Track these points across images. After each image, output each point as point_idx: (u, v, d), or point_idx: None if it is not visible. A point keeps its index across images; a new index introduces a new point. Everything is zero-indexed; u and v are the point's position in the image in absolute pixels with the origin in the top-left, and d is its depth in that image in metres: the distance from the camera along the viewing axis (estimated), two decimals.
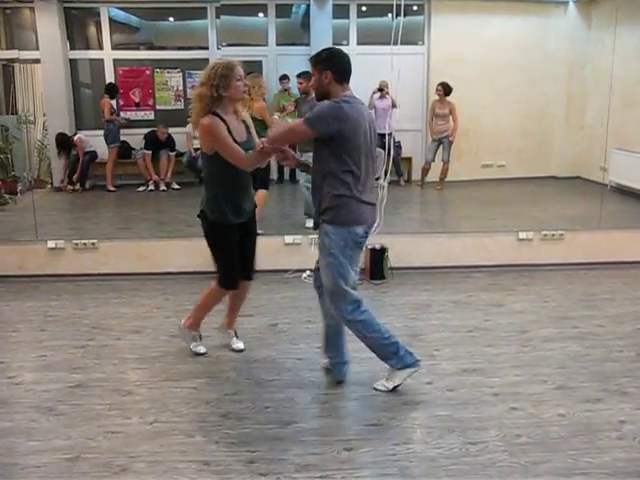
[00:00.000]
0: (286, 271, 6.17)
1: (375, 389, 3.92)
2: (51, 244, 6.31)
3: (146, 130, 10.48)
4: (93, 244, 6.31)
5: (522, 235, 6.40)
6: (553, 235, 6.47)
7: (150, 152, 10.27)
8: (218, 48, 10.90)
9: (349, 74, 3.78)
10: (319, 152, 3.74)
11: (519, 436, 3.42)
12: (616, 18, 8.46)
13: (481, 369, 4.21)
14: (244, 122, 4.22)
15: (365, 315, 3.83)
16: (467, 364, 4.28)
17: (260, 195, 6.94)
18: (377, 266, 5.98)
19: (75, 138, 10.26)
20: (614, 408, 3.71)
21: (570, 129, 10.74)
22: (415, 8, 10.84)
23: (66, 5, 10.49)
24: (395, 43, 5.96)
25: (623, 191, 9.50)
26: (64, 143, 10.22)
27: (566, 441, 3.38)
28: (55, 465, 3.19)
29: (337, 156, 3.64)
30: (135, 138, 10.47)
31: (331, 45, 10.46)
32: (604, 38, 9.42)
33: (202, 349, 4.50)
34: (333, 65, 3.72)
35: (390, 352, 3.87)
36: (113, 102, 10.36)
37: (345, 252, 3.74)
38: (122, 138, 10.42)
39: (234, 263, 4.23)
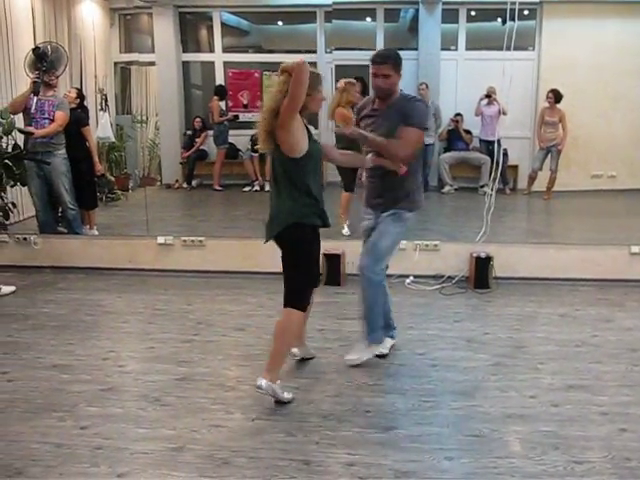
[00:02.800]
0: (390, 276, 6.14)
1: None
2: (160, 240, 6.54)
3: (253, 132, 10.67)
4: (200, 241, 6.50)
5: (635, 249, 6.12)
6: None
7: (257, 154, 10.46)
8: (326, 52, 11.02)
9: None
10: None
11: (629, 460, 3.27)
12: None
13: (588, 386, 4.07)
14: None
15: (385, 282, 4.38)
16: (573, 380, 4.14)
17: (345, 196, 7.05)
18: (482, 275, 5.89)
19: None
20: None
21: None
22: (526, 12, 10.59)
23: (181, 10, 10.86)
24: (507, 48, 5.86)
25: None
26: None
27: None
28: (161, 453, 3.30)
29: None
30: (242, 139, 10.69)
31: (440, 49, 10.43)
32: None
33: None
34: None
35: (377, 325, 4.33)
36: (222, 104, 10.63)
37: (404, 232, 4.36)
38: (230, 139, 10.68)
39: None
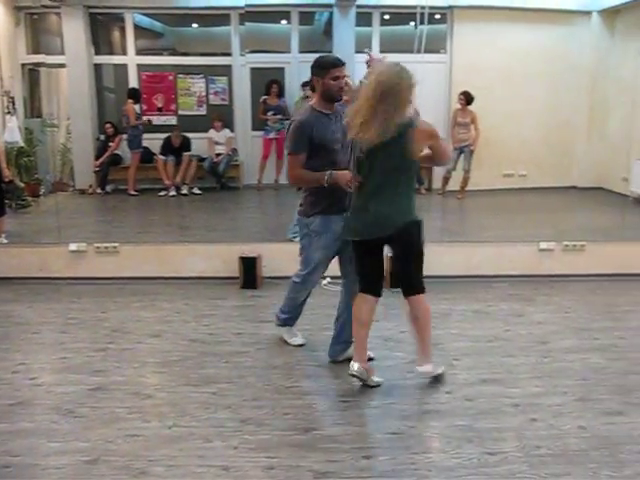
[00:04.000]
0: None
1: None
2: (73, 247, 6.36)
3: (167, 134, 10.56)
4: (114, 247, 6.36)
5: (543, 245, 6.35)
6: (575, 246, 6.42)
7: (165, 157, 10.34)
8: (241, 54, 10.98)
9: None
10: None
11: (539, 447, 3.39)
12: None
13: (501, 379, 4.19)
14: None
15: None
16: (486, 374, 4.25)
17: None
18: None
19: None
20: (635, 421, 3.67)
21: (592, 139, 10.68)
22: (438, 16, 10.83)
23: (92, 11, 10.60)
24: (419, 51, 5.97)
25: None
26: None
27: (586, 454, 3.35)
28: (74, 467, 3.21)
29: None
30: (157, 143, 10.54)
31: (354, 52, 10.53)
32: (628, 48, 9.38)
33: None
34: None
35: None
36: (136, 107, 10.45)
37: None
38: (144, 143, 10.51)
39: None
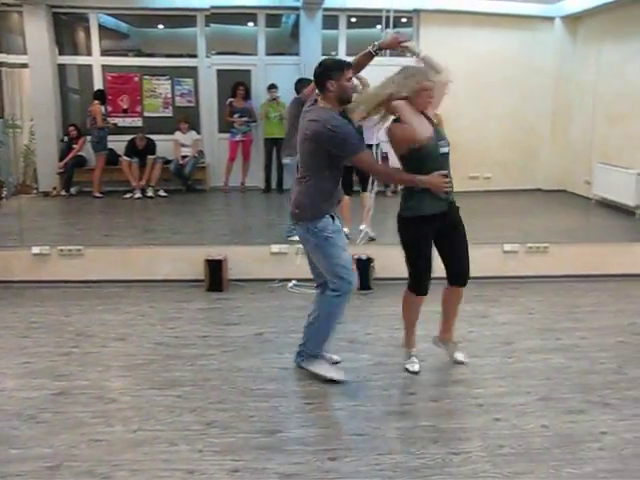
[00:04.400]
0: (272, 280, 6.18)
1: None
2: (36, 250, 6.27)
3: (132, 136, 10.47)
4: (79, 250, 6.28)
5: (507, 247, 6.44)
6: (538, 248, 6.51)
7: (129, 160, 10.25)
8: (207, 56, 10.94)
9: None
10: None
11: (502, 447, 3.44)
12: (599, 35, 8.58)
13: (465, 380, 4.23)
14: None
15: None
16: (452, 375, 4.30)
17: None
18: (363, 276, 6.00)
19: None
20: (596, 419, 3.73)
21: (556, 143, 10.84)
22: (404, 20, 10.91)
23: (55, 10, 10.48)
24: (384, 54, 6.00)
25: (607, 205, 9.60)
26: None
27: (548, 452, 3.40)
28: (36, 473, 3.17)
29: None
30: (122, 144, 10.44)
31: (321, 54, 10.56)
32: (589, 54, 9.54)
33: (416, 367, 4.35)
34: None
35: None
36: (102, 108, 10.34)
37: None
38: (109, 144, 10.41)
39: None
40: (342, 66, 3.98)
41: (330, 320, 4.13)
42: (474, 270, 6.27)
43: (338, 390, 4.07)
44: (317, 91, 4.03)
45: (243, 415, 3.74)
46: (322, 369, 4.18)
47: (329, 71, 3.95)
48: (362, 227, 6.98)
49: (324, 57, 4.23)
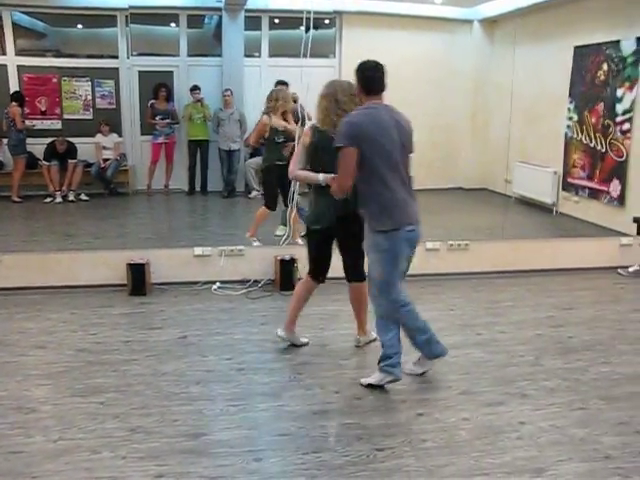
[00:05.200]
0: (196, 283, 6.13)
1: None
2: None
3: (51, 139, 10.21)
4: None
5: (429, 245, 6.56)
6: (459, 245, 6.67)
7: (49, 163, 10.00)
8: (128, 57, 10.76)
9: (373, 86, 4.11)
10: None
11: (425, 441, 3.51)
12: (514, 38, 8.85)
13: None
14: None
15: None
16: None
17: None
18: (287, 277, 6.02)
19: None
20: (514, 410, 3.86)
21: (476, 142, 11.11)
22: (327, 22, 11.00)
23: None
24: (305, 56, 6.03)
25: (526, 202, 9.90)
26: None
27: (469, 444, 3.50)
28: None
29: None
30: (40, 147, 10.16)
31: (244, 56, 10.53)
32: (506, 56, 9.81)
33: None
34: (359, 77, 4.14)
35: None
36: (20, 110, 10.03)
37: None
38: (27, 148, 10.12)
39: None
40: None
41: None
42: None
43: (263, 391, 4.08)
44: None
45: (167, 419, 3.70)
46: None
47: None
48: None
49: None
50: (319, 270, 4.59)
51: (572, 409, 3.89)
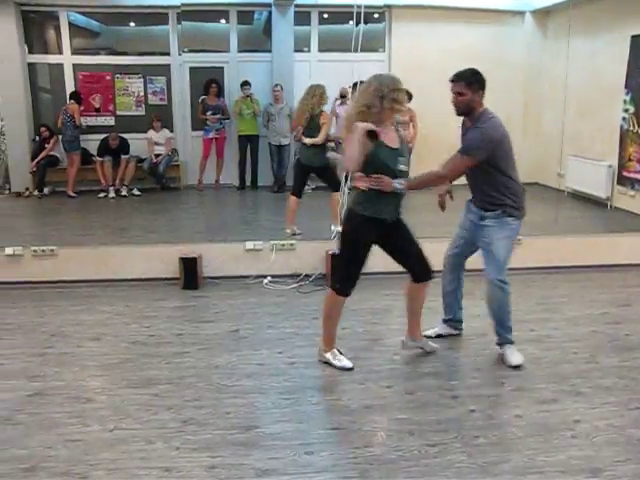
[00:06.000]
0: (247, 277, 6.18)
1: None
2: (9, 251, 6.20)
3: (104, 135, 10.40)
4: (52, 251, 6.22)
5: None
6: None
7: (102, 159, 10.19)
8: (179, 54, 10.89)
9: None
10: None
11: (477, 437, 3.48)
12: (569, 28, 8.67)
13: (440, 372, 4.28)
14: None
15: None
16: (426, 368, 4.33)
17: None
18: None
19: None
20: (569, 408, 3.79)
21: (527, 136, 10.93)
22: (376, 16, 10.95)
23: (24, 8, 10.38)
24: (355, 50, 6.02)
25: (579, 197, 9.71)
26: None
27: (523, 441, 3.45)
28: (11, 475, 3.15)
29: None
30: (95, 144, 10.37)
31: (293, 51, 10.55)
32: (559, 47, 9.63)
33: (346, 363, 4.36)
34: (483, 85, 4.37)
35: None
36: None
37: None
38: (82, 144, 10.34)
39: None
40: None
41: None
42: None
43: (314, 385, 4.10)
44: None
45: (219, 412, 3.74)
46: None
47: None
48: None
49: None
50: (354, 281, 4.28)
51: (629, 408, 3.81)
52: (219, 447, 3.38)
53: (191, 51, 11.05)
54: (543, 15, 11.08)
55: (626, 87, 8.99)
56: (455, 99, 4.35)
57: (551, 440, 3.45)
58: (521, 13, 11.21)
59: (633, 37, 8.81)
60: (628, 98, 8.96)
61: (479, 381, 4.16)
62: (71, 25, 10.72)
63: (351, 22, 6.64)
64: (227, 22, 11.07)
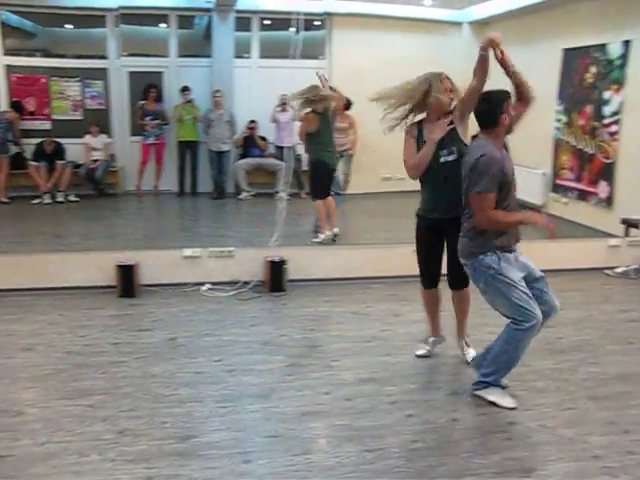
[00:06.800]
0: (185, 284, 6.11)
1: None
2: None
3: (40, 139, 10.16)
4: None
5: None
6: None
7: (37, 164, 9.95)
8: (118, 58, 10.72)
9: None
10: None
11: (415, 442, 3.51)
12: (504, 40, 8.86)
13: (378, 378, 4.29)
14: None
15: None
16: (364, 374, 4.35)
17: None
18: (276, 278, 6.01)
19: None
20: (504, 411, 3.85)
21: (469, 142, 11.09)
22: (317, 23, 11.00)
23: None
24: (294, 57, 6.04)
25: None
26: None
27: (459, 444, 3.51)
28: None
29: None
30: (29, 148, 10.12)
31: (234, 57, 10.51)
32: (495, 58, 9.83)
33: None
34: None
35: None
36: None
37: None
38: (17, 148, 10.08)
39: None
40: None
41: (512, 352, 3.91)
42: (386, 270, 6.42)
43: (253, 392, 4.06)
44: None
45: (156, 422, 3.68)
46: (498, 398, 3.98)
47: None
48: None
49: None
50: (428, 275, 4.50)
51: (561, 409, 3.91)
52: (155, 458, 3.32)
53: (130, 55, 10.88)
54: (480, 26, 11.28)
55: (559, 98, 9.25)
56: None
57: (486, 443, 3.51)
58: (459, 24, 11.42)
59: (565, 50, 9.07)
60: (561, 109, 9.22)
61: (416, 386, 4.21)
62: (3, 24, 10.40)
63: (292, 29, 6.67)
64: (167, 26, 10.96)
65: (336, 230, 7.36)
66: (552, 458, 3.37)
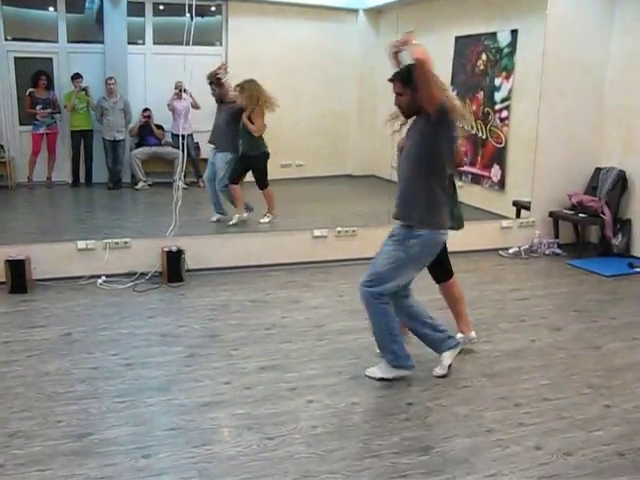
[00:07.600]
0: (80, 278, 5.94)
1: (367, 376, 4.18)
2: None
3: None
4: None
5: (317, 232, 6.63)
6: (347, 232, 6.77)
7: None
8: (2, 42, 10.23)
9: None
10: None
11: (315, 427, 3.55)
12: (397, 27, 9.03)
13: (278, 365, 4.32)
14: None
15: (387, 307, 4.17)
16: (264, 361, 4.37)
17: None
18: (174, 269, 5.94)
19: None
20: (403, 392, 3.97)
21: (363, 129, 11.25)
22: (213, 9, 10.84)
23: None
24: (188, 43, 5.95)
25: None
26: None
27: (359, 427, 3.58)
28: None
29: None
30: None
31: (127, 43, 10.24)
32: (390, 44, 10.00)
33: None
34: None
35: (387, 346, 4.10)
36: None
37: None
38: None
39: None
40: None
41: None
42: (285, 256, 6.45)
43: (151, 385, 4.01)
44: None
45: (50, 421, 3.57)
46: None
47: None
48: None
49: None
50: (434, 273, 4.68)
51: (457, 387, 4.06)
52: (50, 459, 3.22)
53: (15, 39, 10.38)
54: (375, 14, 11.42)
55: (452, 84, 9.48)
56: (396, 100, 4.10)
57: (386, 424, 3.60)
58: (355, 11, 11.51)
59: (457, 37, 9.32)
60: (454, 95, 9.45)
61: (316, 371, 4.25)
62: None
63: (188, 15, 6.55)
64: (55, 10, 10.52)
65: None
66: (449, 435, 3.49)
